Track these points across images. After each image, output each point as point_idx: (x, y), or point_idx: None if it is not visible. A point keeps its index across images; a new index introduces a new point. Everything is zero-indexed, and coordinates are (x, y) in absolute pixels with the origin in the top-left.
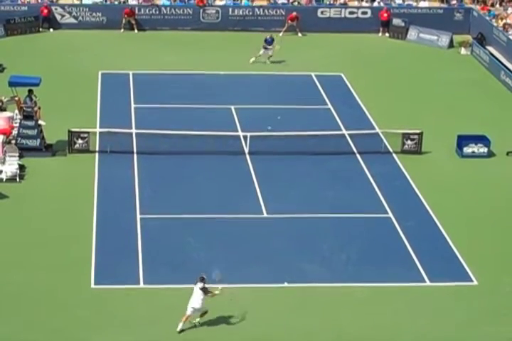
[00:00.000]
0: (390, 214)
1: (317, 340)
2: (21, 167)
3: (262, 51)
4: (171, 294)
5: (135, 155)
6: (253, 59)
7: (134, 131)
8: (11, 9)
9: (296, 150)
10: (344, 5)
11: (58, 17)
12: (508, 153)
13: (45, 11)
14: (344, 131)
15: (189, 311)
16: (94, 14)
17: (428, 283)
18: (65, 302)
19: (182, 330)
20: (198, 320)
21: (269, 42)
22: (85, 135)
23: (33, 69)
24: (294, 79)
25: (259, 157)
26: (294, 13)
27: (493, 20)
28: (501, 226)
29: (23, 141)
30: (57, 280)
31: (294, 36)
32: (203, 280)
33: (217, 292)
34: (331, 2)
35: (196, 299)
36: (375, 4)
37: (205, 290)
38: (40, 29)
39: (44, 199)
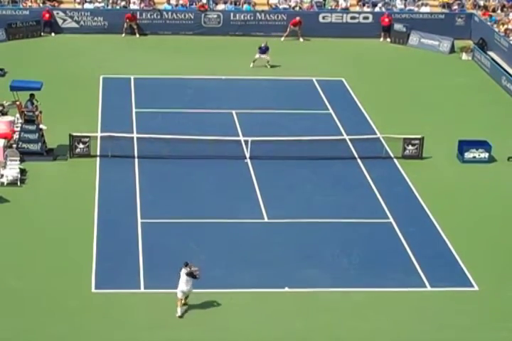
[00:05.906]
0: (391, 220)
1: None
2: (22, 171)
3: (257, 55)
4: (172, 298)
5: (136, 160)
6: (252, 64)
7: (135, 135)
8: (13, 13)
9: (296, 155)
10: (345, 10)
11: (60, 21)
12: (509, 159)
13: (47, 15)
14: (345, 136)
15: (180, 295)
16: (95, 19)
17: (429, 288)
18: (65, 307)
19: (181, 316)
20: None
21: (264, 50)
22: (86, 139)
23: (34, 73)
24: (295, 84)
25: (260, 162)
26: (298, 18)
27: (495, 26)
28: (502, 232)
29: (24, 145)
30: (58, 285)
31: (295, 41)
32: (186, 265)
33: (194, 268)
34: (333, 7)
35: (185, 283)
36: (377, 9)
37: (191, 274)
38: (42, 33)
39: (45, 203)
